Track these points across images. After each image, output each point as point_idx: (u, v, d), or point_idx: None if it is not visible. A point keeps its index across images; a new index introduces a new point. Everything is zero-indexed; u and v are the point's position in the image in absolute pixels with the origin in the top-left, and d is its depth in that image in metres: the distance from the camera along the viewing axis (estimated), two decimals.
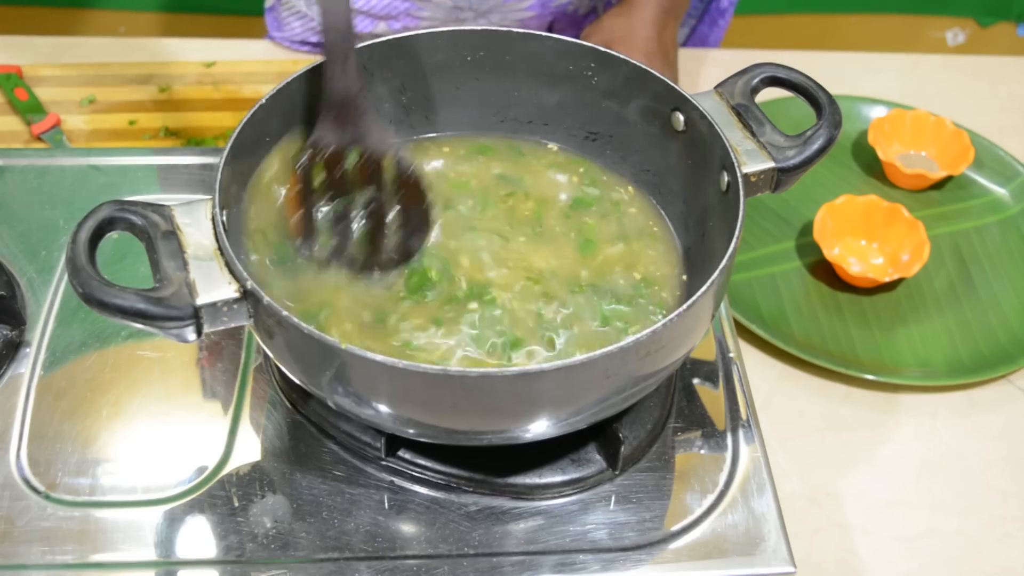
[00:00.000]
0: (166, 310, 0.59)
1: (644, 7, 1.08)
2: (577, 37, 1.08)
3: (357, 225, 0.72)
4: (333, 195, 0.71)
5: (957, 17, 2.25)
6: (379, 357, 0.57)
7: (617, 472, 0.72)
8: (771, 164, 0.70)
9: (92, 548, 0.67)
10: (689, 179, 0.75)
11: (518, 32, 0.77)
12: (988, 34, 2.26)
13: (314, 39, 1.22)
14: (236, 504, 0.70)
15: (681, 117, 0.74)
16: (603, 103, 0.79)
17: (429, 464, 0.71)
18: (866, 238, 1.00)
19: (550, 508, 0.71)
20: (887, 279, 0.95)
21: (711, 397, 0.78)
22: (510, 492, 0.71)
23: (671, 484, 0.72)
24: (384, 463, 0.72)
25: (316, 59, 0.74)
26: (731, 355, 0.80)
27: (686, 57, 1.25)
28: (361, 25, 1.19)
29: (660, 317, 0.72)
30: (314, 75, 0.74)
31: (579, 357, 0.58)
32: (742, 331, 0.92)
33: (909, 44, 2.24)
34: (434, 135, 0.83)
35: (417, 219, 0.72)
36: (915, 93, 1.19)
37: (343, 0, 0.70)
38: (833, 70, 1.20)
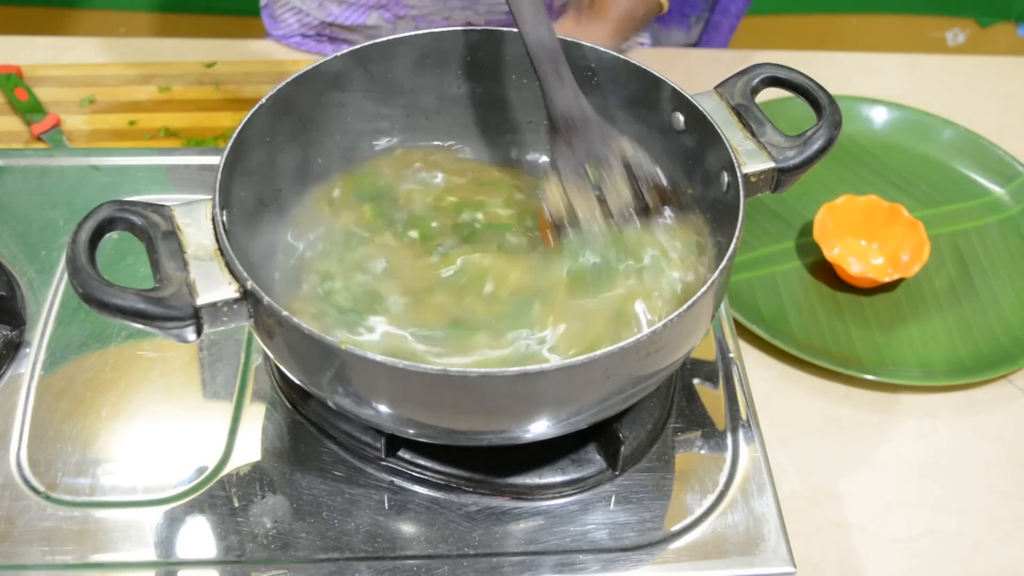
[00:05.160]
0: (166, 310, 0.59)
1: (599, 23, 1.07)
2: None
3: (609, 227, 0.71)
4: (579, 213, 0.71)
5: (957, 17, 2.25)
6: (379, 357, 0.57)
7: (617, 472, 0.72)
8: (771, 164, 0.69)
9: (92, 548, 0.67)
10: (689, 179, 0.75)
11: (518, 32, 0.77)
12: (988, 34, 2.26)
13: (311, 33, 1.22)
14: (236, 504, 0.70)
15: (681, 117, 0.74)
16: (603, 103, 0.79)
17: (429, 464, 0.71)
18: (866, 238, 1.00)
19: (550, 508, 0.71)
20: (887, 279, 0.95)
21: (711, 397, 0.78)
22: (510, 492, 0.71)
23: (671, 484, 0.72)
24: (384, 463, 0.72)
25: (316, 59, 0.74)
26: (731, 355, 0.80)
27: (686, 57, 1.25)
28: (352, 16, 1.19)
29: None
30: (314, 75, 0.74)
31: (579, 357, 0.58)
32: (742, 331, 0.92)
33: (909, 44, 2.24)
34: (438, 142, 0.83)
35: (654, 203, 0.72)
36: (915, 93, 1.19)
37: (543, 16, 0.70)
38: (833, 70, 1.20)
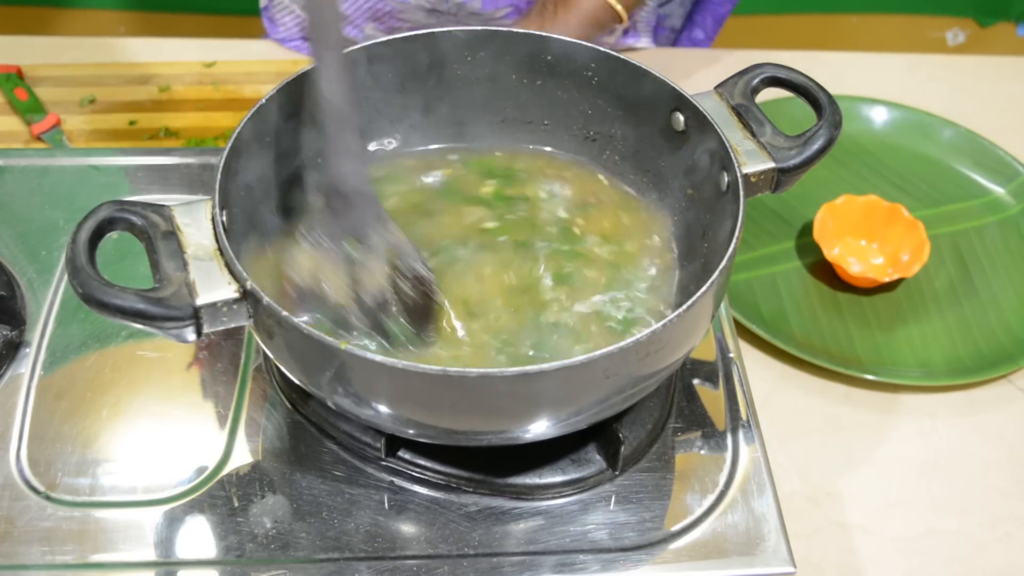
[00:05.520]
0: (166, 310, 0.59)
1: (561, 26, 1.07)
2: None
3: (366, 306, 0.66)
4: (334, 283, 0.66)
5: (957, 17, 2.25)
6: (378, 357, 0.57)
7: (617, 472, 0.72)
8: (771, 164, 0.69)
9: (92, 548, 0.67)
10: (689, 179, 0.75)
11: (518, 32, 0.77)
12: (988, 34, 2.25)
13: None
14: (236, 504, 0.70)
15: (681, 117, 0.74)
16: (603, 103, 0.79)
17: (429, 464, 0.71)
18: (866, 238, 1.00)
19: (550, 508, 0.71)
20: (887, 279, 0.95)
21: (711, 397, 0.78)
22: (510, 492, 0.71)
23: (671, 484, 0.72)
24: (384, 463, 0.72)
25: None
26: (731, 355, 0.80)
27: (686, 57, 1.25)
28: (348, 31, 1.19)
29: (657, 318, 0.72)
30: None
31: (579, 357, 0.58)
32: (742, 331, 0.92)
33: (909, 44, 2.24)
34: (438, 144, 0.83)
35: (423, 312, 0.68)
36: (915, 93, 1.19)
37: (345, 75, 0.65)
38: (833, 70, 1.20)
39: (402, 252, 0.67)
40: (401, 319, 0.66)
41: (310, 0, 0.65)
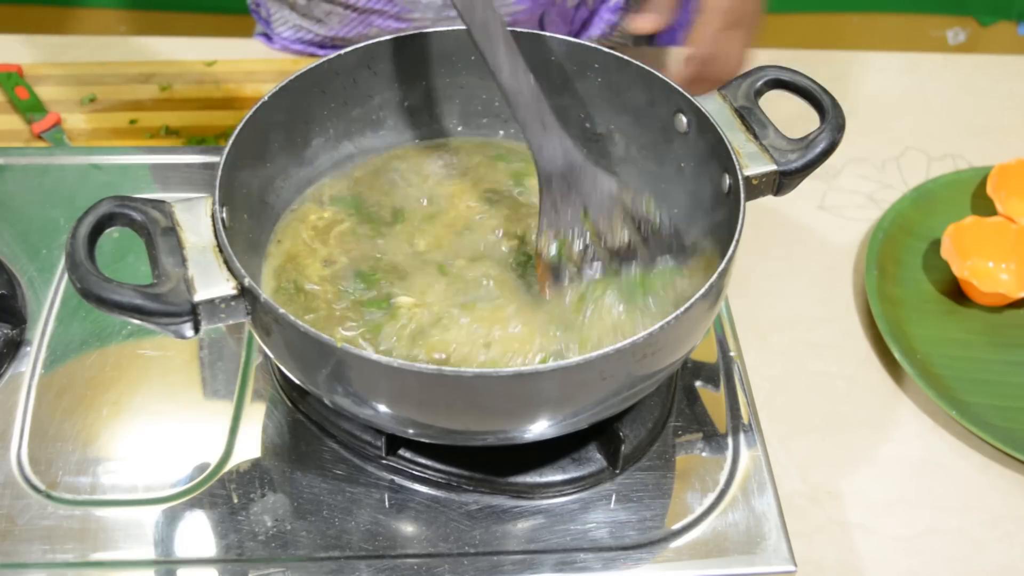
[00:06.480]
0: (164, 306, 0.59)
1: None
2: (568, 32, 1.06)
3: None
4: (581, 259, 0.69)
5: (958, 16, 2.25)
6: (374, 356, 0.58)
7: (618, 471, 0.72)
8: (773, 167, 0.69)
9: (93, 547, 0.68)
10: (691, 181, 0.75)
11: (523, 32, 0.77)
12: (989, 33, 2.26)
13: (316, 41, 1.22)
14: (236, 503, 0.70)
15: (684, 119, 0.74)
16: (606, 104, 0.79)
17: (430, 463, 0.71)
18: (994, 259, 0.96)
19: (551, 507, 0.71)
20: (1022, 295, 0.92)
21: (712, 396, 0.78)
22: (511, 491, 0.71)
23: (672, 483, 0.72)
24: (385, 462, 0.72)
25: (316, 59, 0.74)
26: (732, 354, 0.80)
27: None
28: (357, 28, 1.19)
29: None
30: (315, 74, 0.74)
31: (575, 359, 0.58)
32: (752, 328, 0.91)
33: (910, 43, 2.24)
34: (442, 139, 0.83)
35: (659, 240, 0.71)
36: (915, 92, 1.19)
37: (519, 62, 0.69)
38: (833, 69, 1.20)
39: (630, 203, 0.70)
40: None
41: (464, 3, 0.68)
